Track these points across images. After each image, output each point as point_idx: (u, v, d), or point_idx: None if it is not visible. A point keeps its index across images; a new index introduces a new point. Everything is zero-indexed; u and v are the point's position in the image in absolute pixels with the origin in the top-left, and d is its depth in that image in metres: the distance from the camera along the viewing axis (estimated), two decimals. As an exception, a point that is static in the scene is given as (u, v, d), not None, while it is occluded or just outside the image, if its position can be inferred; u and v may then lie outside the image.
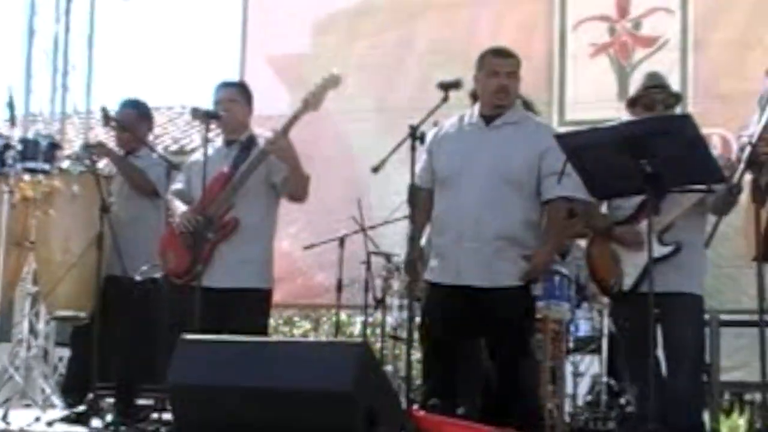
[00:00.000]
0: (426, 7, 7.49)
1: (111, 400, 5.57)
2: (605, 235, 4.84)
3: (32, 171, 5.60)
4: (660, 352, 4.62)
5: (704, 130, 4.33)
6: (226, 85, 5.42)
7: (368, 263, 6.53)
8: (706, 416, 5.49)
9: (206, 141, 5.09)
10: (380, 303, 6.51)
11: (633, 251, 4.67)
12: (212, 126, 5.15)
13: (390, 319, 6.49)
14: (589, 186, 4.45)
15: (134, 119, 5.95)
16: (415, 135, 4.48)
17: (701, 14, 6.83)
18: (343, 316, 10.63)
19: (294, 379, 3.81)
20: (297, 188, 5.15)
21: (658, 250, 4.52)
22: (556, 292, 5.36)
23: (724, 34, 6.77)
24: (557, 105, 7.05)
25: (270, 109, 6.29)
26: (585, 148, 4.30)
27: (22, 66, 8.21)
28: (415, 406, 4.57)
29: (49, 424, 5.09)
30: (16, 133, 6.03)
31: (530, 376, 4.86)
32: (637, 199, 4.63)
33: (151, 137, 6.36)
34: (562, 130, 5.55)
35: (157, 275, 5.41)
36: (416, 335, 4.84)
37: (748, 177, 4.37)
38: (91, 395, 5.16)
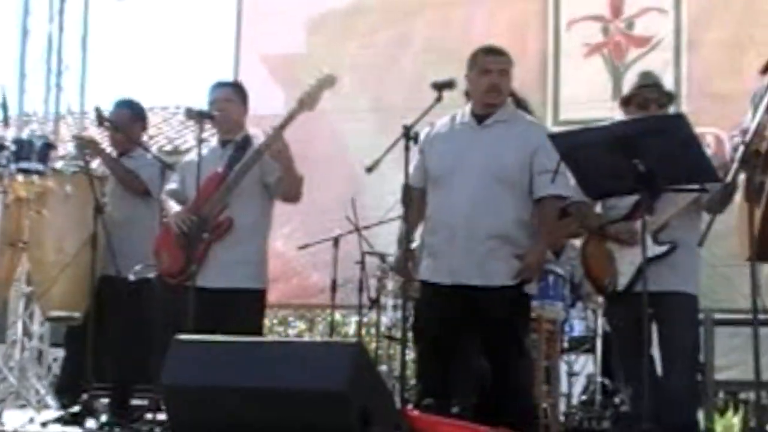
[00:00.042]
0: (420, 6, 7.47)
1: (105, 400, 5.57)
2: (600, 235, 4.85)
3: (26, 171, 5.58)
4: (654, 352, 4.62)
5: (698, 130, 4.34)
6: (221, 85, 5.42)
7: (363, 263, 6.51)
8: (700, 415, 5.49)
9: (200, 141, 5.09)
10: (375, 303, 6.50)
11: (628, 248, 4.67)
12: (207, 126, 5.15)
13: (384, 319, 6.48)
14: (583, 186, 4.46)
15: (128, 119, 5.94)
16: (409, 135, 4.48)
17: (694, 14, 6.83)
18: (337, 316, 10.65)
19: (289, 379, 3.81)
20: (290, 189, 5.15)
21: (653, 250, 4.54)
22: (551, 292, 5.35)
23: (718, 34, 6.77)
24: (551, 104, 7.03)
25: (264, 108, 6.26)
26: (578, 147, 4.30)
27: (16, 66, 8.16)
28: (410, 406, 4.57)
29: (44, 424, 5.08)
30: (10, 134, 6.04)
31: (525, 375, 4.86)
32: (632, 199, 4.63)
33: (145, 137, 6.35)
34: (556, 129, 5.56)
35: (151, 275, 5.40)
36: (410, 335, 4.84)
37: (742, 176, 4.37)
38: (85, 396, 5.16)
